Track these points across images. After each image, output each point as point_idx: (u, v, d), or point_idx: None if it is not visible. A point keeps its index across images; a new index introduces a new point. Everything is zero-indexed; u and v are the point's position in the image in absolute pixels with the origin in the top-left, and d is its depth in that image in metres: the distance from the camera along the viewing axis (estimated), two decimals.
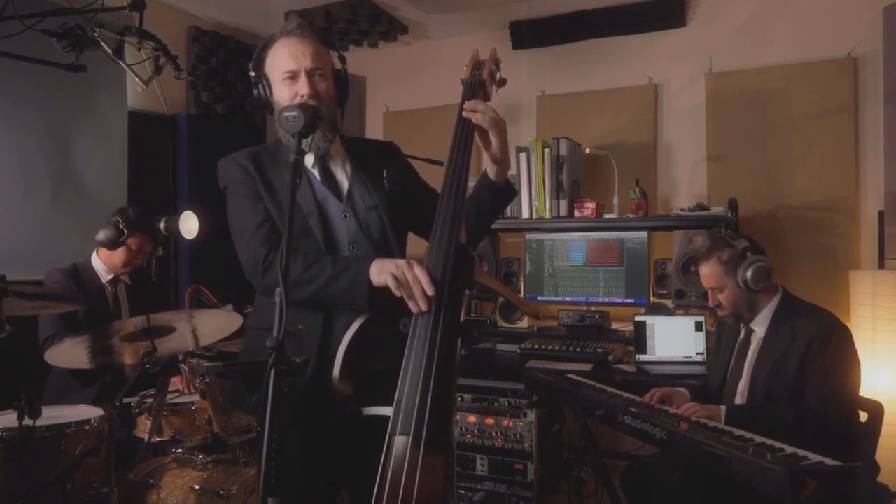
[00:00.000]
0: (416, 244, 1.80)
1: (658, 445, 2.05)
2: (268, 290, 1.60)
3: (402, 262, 1.50)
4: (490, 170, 1.69)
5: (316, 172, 1.73)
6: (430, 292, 1.43)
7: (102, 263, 2.92)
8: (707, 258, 2.37)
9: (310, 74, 1.65)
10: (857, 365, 2.18)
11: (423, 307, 1.44)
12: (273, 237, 1.63)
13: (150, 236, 2.88)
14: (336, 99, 1.72)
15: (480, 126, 1.61)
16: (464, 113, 1.62)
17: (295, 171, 1.37)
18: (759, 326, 2.32)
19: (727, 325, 2.50)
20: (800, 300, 2.32)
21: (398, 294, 1.46)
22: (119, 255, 2.89)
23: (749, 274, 2.24)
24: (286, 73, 1.65)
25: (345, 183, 1.75)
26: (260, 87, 1.70)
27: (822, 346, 2.13)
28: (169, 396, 2.43)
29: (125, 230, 2.81)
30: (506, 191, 1.74)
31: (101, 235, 2.84)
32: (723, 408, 2.15)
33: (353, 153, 1.80)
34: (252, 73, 1.71)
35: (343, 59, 1.77)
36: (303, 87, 1.64)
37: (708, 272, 2.36)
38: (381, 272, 1.50)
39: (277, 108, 1.67)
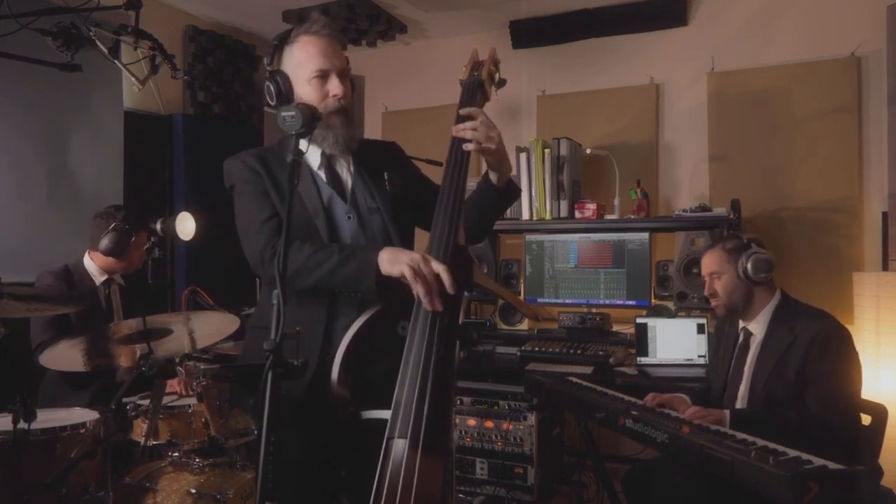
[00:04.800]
0: (420, 243, 1.77)
1: (660, 449, 2.04)
2: (274, 279, 1.58)
3: (417, 255, 1.48)
4: (491, 174, 1.71)
5: (322, 174, 1.73)
6: (452, 291, 1.40)
7: (96, 265, 2.81)
8: (712, 247, 2.43)
9: (341, 75, 1.64)
10: (858, 367, 2.16)
11: (438, 307, 1.42)
12: (279, 232, 1.62)
13: (147, 230, 2.78)
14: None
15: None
16: (454, 132, 1.61)
17: (293, 170, 1.37)
18: (758, 329, 2.31)
19: (725, 329, 2.49)
20: (798, 302, 2.31)
21: (414, 285, 1.43)
22: (136, 254, 2.78)
23: (749, 263, 2.25)
24: (317, 71, 1.64)
25: (349, 183, 1.75)
26: (279, 83, 1.65)
27: (822, 349, 2.12)
28: (166, 399, 2.41)
29: (132, 230, 2.71)
30: (507, 191, 1.74)
31: (106, 244, 2.70)
32: (727, 412, 2.13)
33: (357, 154, 1.79)
34: (269, 69, 1.68)
35: (346, 61, 1.76)
36: (337, 88, 1.64)
37: (710, 258, 2.39)
38: (395, 262, 1.47)
39: None
